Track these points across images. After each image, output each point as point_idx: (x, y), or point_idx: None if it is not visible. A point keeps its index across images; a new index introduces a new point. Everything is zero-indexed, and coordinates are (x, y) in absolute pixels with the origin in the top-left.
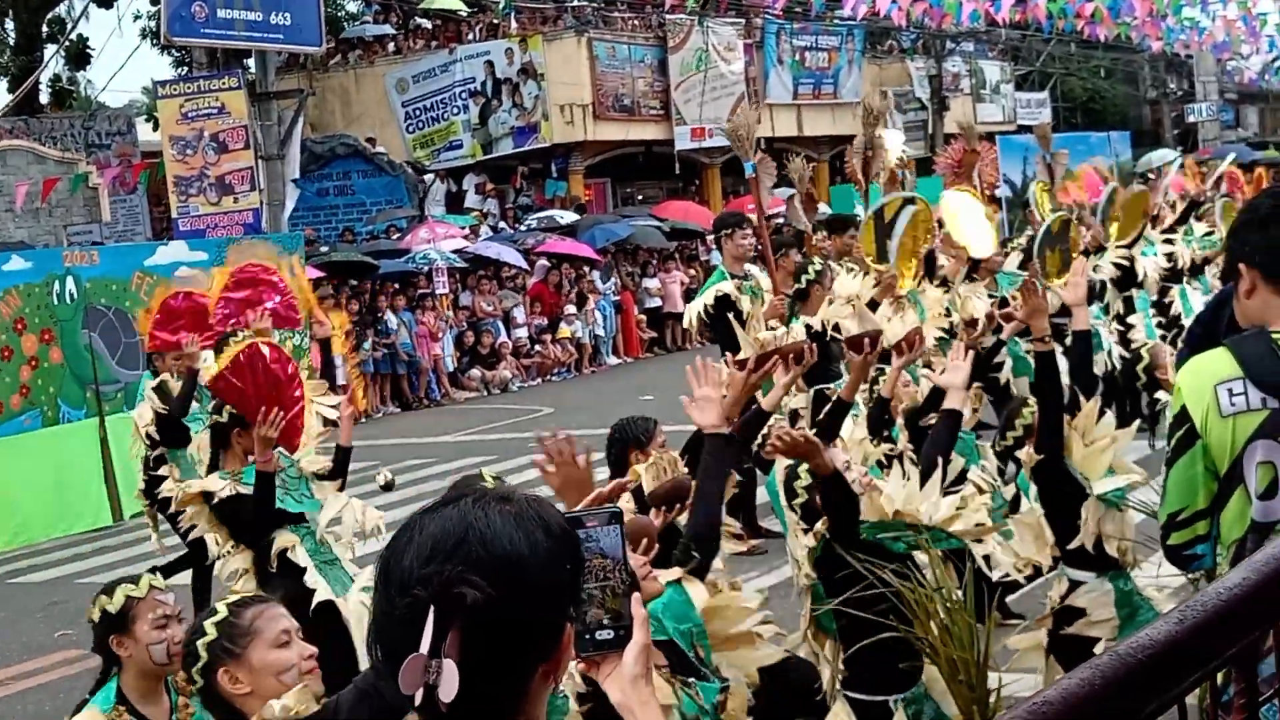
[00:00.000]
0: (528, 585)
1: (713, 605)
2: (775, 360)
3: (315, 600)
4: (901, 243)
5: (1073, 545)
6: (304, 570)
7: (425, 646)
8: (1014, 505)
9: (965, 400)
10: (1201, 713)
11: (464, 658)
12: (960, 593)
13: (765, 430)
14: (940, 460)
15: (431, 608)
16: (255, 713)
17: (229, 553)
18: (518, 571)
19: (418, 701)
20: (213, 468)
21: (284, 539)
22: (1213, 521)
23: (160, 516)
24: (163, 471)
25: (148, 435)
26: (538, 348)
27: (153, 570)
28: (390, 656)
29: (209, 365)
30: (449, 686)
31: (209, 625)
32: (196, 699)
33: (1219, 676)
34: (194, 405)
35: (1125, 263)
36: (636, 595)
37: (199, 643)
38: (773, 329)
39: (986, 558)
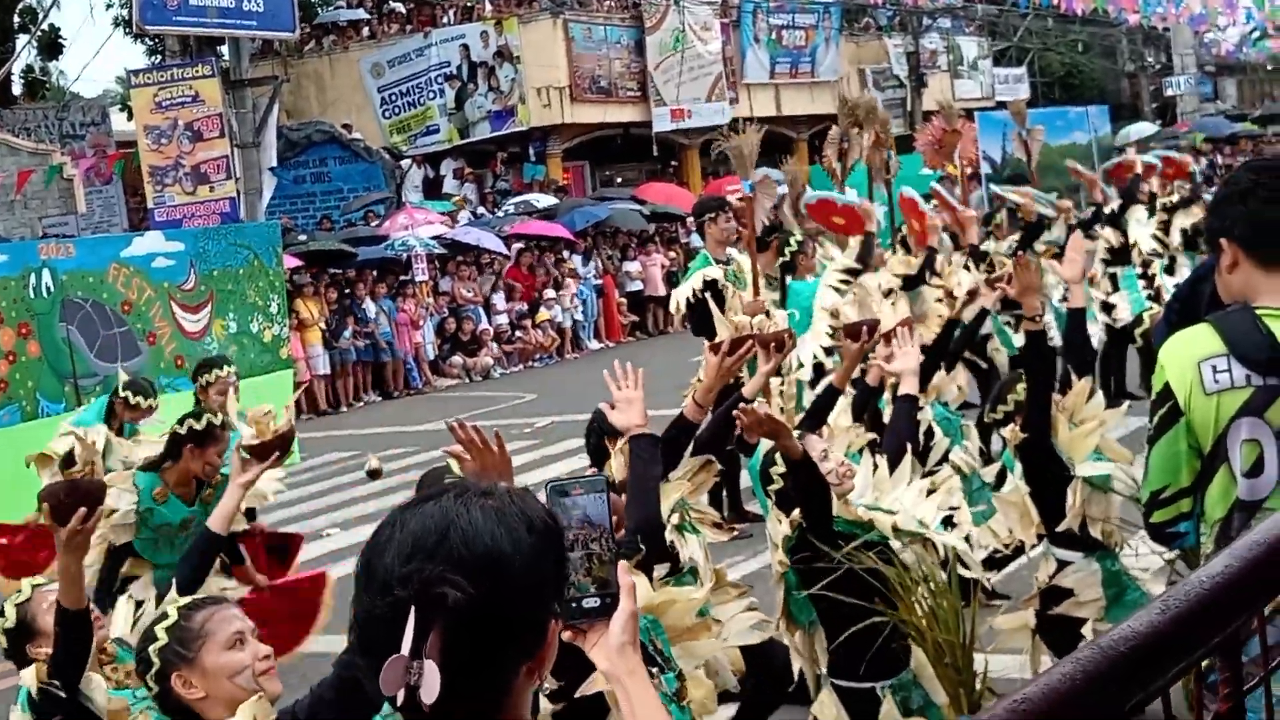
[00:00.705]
0: (510, 583)
1: (661, 600)
2: (751, 344)
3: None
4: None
5: (1060, 528)
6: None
7: (406, 648)
8: (999, 481)
9: (916, 384)
10: (1187, 697)
11: (446, 657)
12: (944, 575)
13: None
14: (908, 446)
15: (412, 608)
16: (214, 717)
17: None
18: (500, 569)
19: (400, 702)
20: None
21: (135, 565)
22: (1196, 499)
23: None
24: None
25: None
26: (519, 333)
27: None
28: (371, 655)
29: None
30: (430, 688)
31: (159, 630)
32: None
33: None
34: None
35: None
36: (623, 563)
37: (150, 649)
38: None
39: (966, 538)
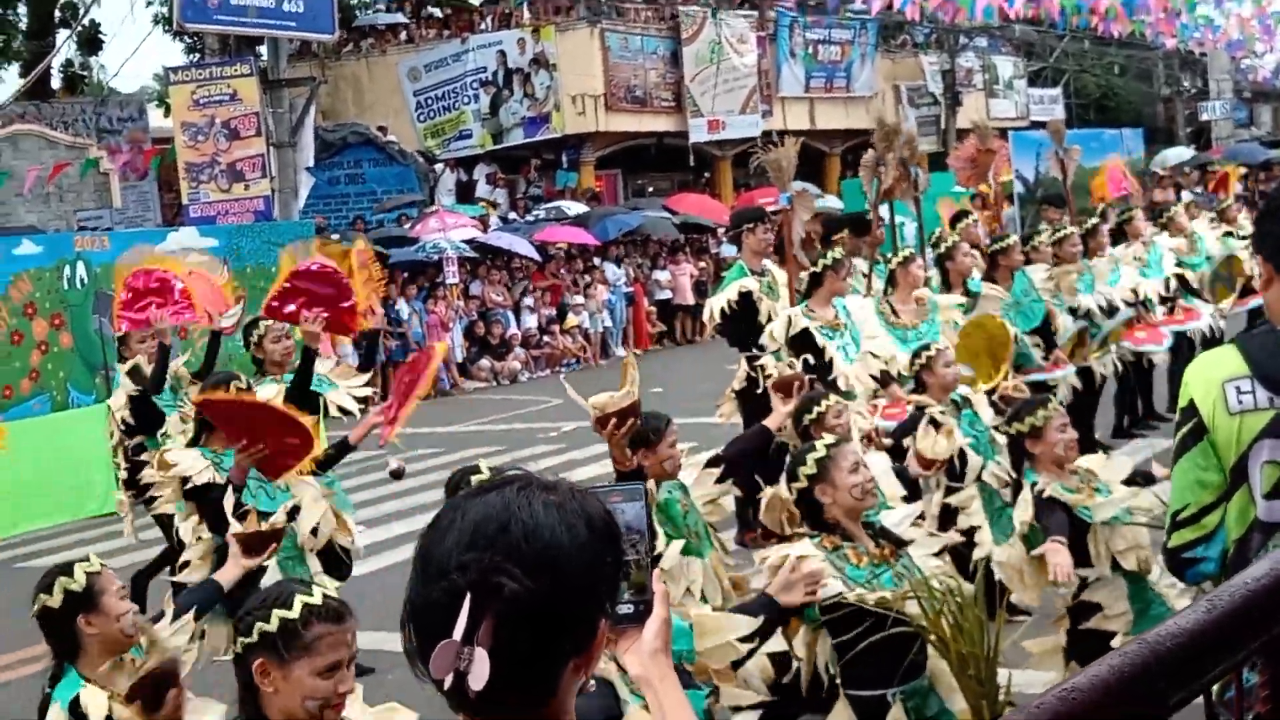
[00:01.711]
0: (566, 579)
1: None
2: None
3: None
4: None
5: (1089, 575)
6: (263, 571)
7: (459, 633)
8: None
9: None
10: (1221, 700)
11: (496, 647)
12: (970, 588)
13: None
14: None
15: (468, 595)
16: (268, 710)
17: (193, 537)
18: (557, 564)
19: (447, 686)
20: (194, 444)
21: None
22: (1221, 518)
23: (138, 505)
24: (144, 458)
25: (123, 422)
26: (546, 338)
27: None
28: (423, 639)
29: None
30: (480, 675)
31: (276, 615)
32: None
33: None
34: (166, 390)
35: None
36: (657, 571)
37: (258, 624)
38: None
39: (987, 557)
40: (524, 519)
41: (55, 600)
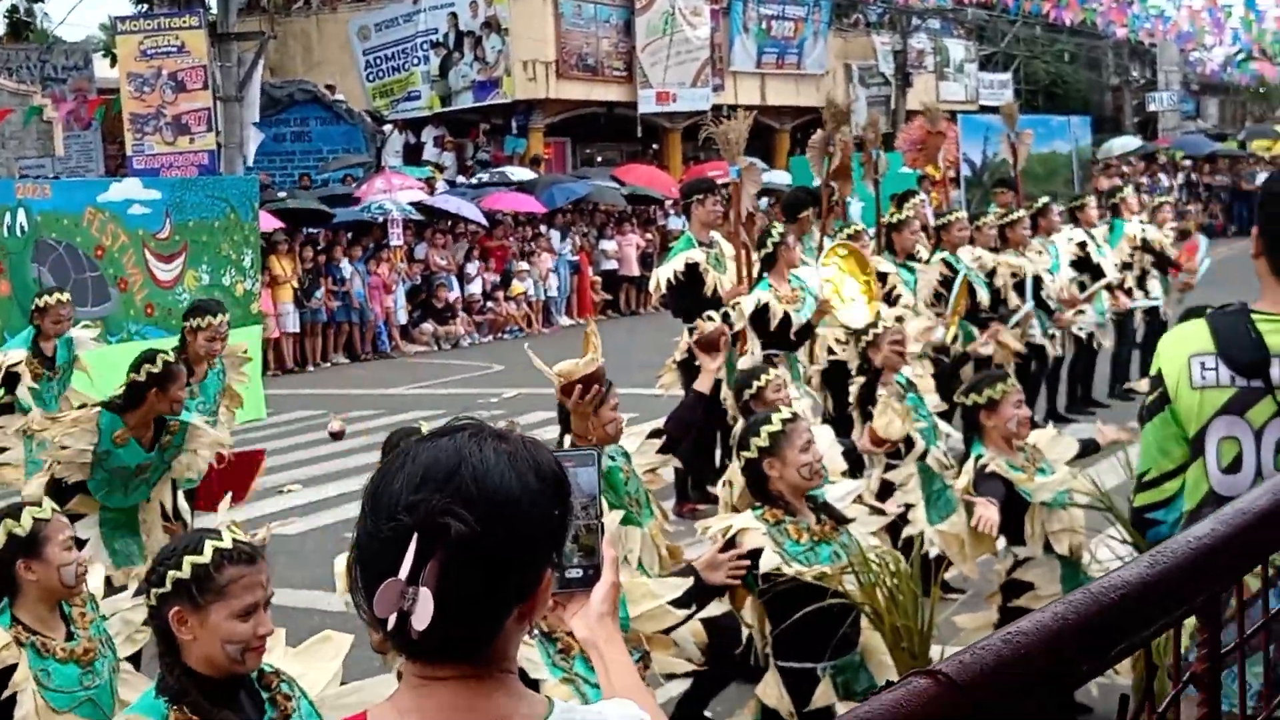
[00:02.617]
0: (513, 525)
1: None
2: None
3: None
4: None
5: (1022, 554)
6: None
7: (404, 572)
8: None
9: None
10: (1165, 672)
11: (441, 589)
12: (906, 563)
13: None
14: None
15: (415, 535)
16: (188, 657)
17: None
18: (505, 511)
19: (390, 626)
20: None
21: (82, 503)
22: (1181, 485)
23: None
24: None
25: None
26: (490, 304)
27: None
28: (368, 578)
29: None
30: (423, 614)
31: (187, 562)
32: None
33: (1184, 638)
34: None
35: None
36: (608, 535)
37: (170, 573)
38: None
39: (920, 534)
40: (475, 464)
41: None
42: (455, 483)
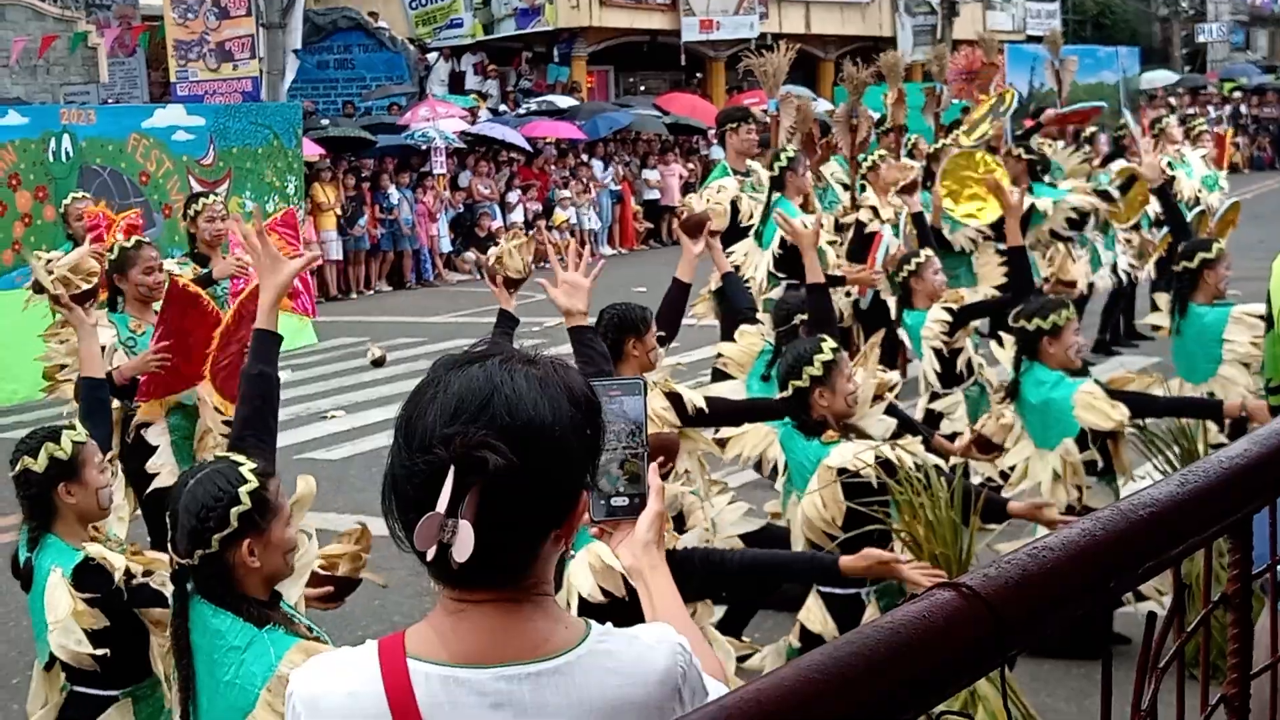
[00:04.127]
0: (548, 452)
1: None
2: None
3: (152, 486)
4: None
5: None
6: (154, 449)
7: (443, 506)
8: (1012, 394)
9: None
10: (1195, 599)
11: (479, 518)
12: (948, 493)
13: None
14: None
15: (451, 468)
16: (250, 588)
17: None
18: (539, 438)
19: (430, 558)
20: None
21: (147, 411)
22: None
23: None
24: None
25: None
26: (532, 233)
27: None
28: (404, 511)
29: None
30: (464, 547)
31: (244, 493)
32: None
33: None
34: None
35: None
36: (653, 465)
37: (233, 511)
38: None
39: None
40: (507, 393)
41: (39, 465)
42: (489, 413)
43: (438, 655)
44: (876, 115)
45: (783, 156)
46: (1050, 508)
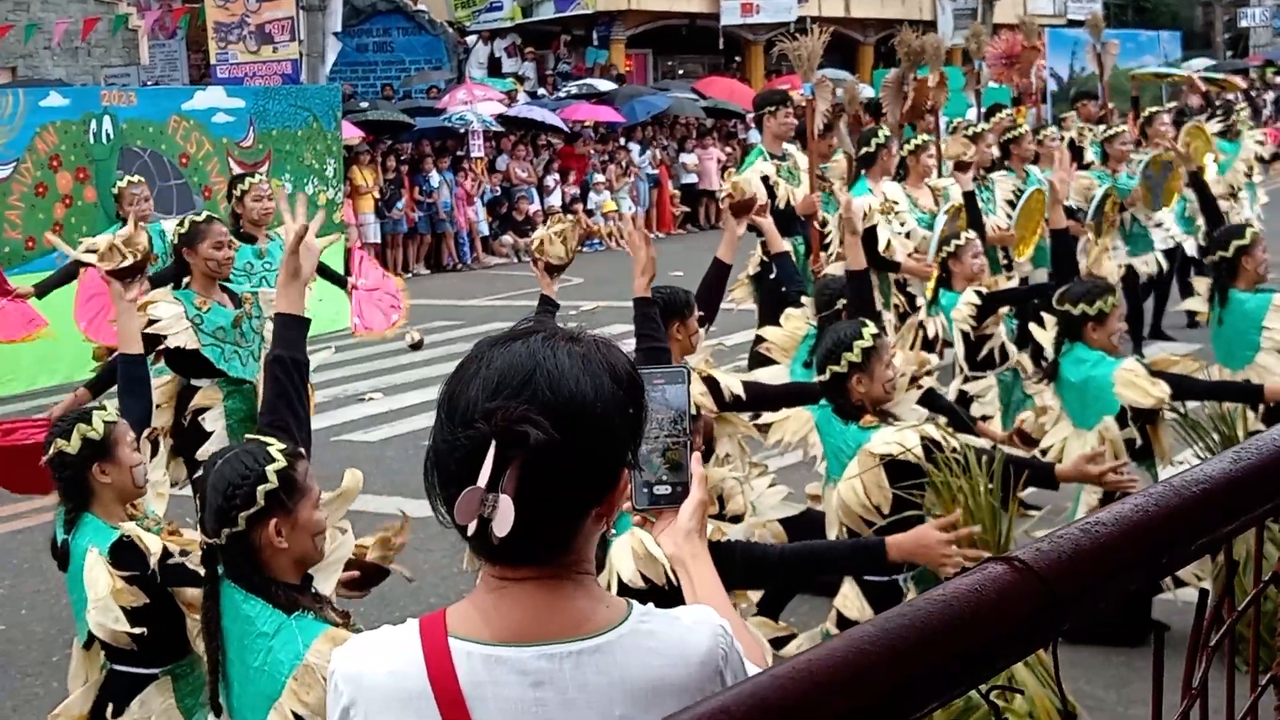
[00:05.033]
0: (589, 429)
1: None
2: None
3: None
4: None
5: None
6: (208, 435)
7: (483, 480)
8: (1051, 374)
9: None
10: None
11: (520, 494)
12: (986, 477)
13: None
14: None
15: (493, 443)
16: (277, 569)
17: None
18: (581, 414)
19: (470, 533)
20: (175, 283)
21: (206, 395)
22: None
23: None
24: None
25: None
26: (574, 219)
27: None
28: (446, 485)
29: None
30: (504, 521)
31: (271, 472)
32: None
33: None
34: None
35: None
36: (696, 454)
37: (259, 489)
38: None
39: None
40: (549, 369)
41: (73, 447)
42: (531, 388)
43: (479, 634)
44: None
45: (879, 135)
46: (1098, 458)
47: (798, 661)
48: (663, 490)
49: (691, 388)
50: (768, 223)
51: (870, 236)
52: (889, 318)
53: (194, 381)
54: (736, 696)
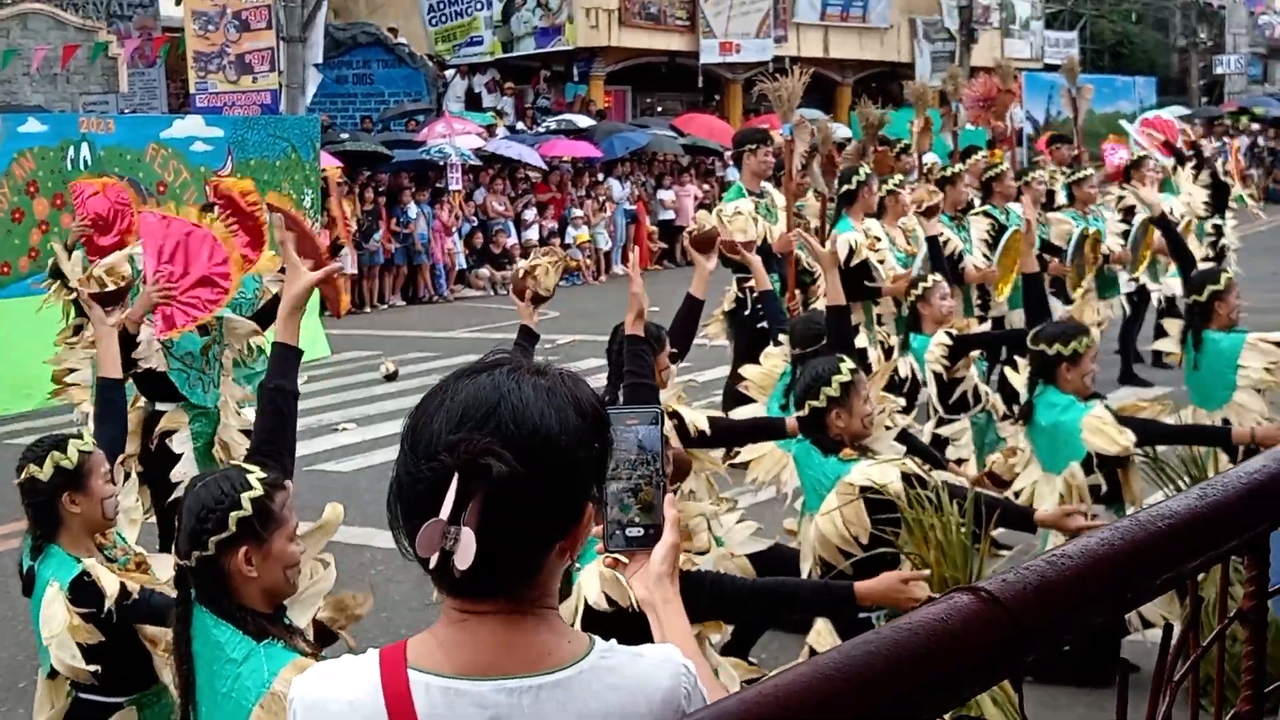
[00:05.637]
0: (554, 462)
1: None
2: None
3: (174, 495)
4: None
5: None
6: (177, 458)
7: (446, 513)
8: (1025, 416)
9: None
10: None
11: (483, 527)
12: (959, 516)
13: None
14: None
15: (455, 475)
16: (247, 598)
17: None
18: (545, 448)
19: (432, 565)
20: None
21: (171, 419)
22: None
23: None
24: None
25: None
26: (566, 253)
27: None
28: (409, 517)
29: None
30: (465, 554)
31: (245, 500)
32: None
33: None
34: None
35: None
36: (669, 496)
37: (232, 515)
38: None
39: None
40: (514, 401)
41: (45, 474)
42: (495, 421)
43: (439, 666)
44: (898, 140)
45: (860, 173)
46: (1077, 516)
47: (764, 687)
48: (635, 532)
49: (663, 428)
50: (755, 260)
51: (861, 271)
52: (876, 355)
53: (159, 406)
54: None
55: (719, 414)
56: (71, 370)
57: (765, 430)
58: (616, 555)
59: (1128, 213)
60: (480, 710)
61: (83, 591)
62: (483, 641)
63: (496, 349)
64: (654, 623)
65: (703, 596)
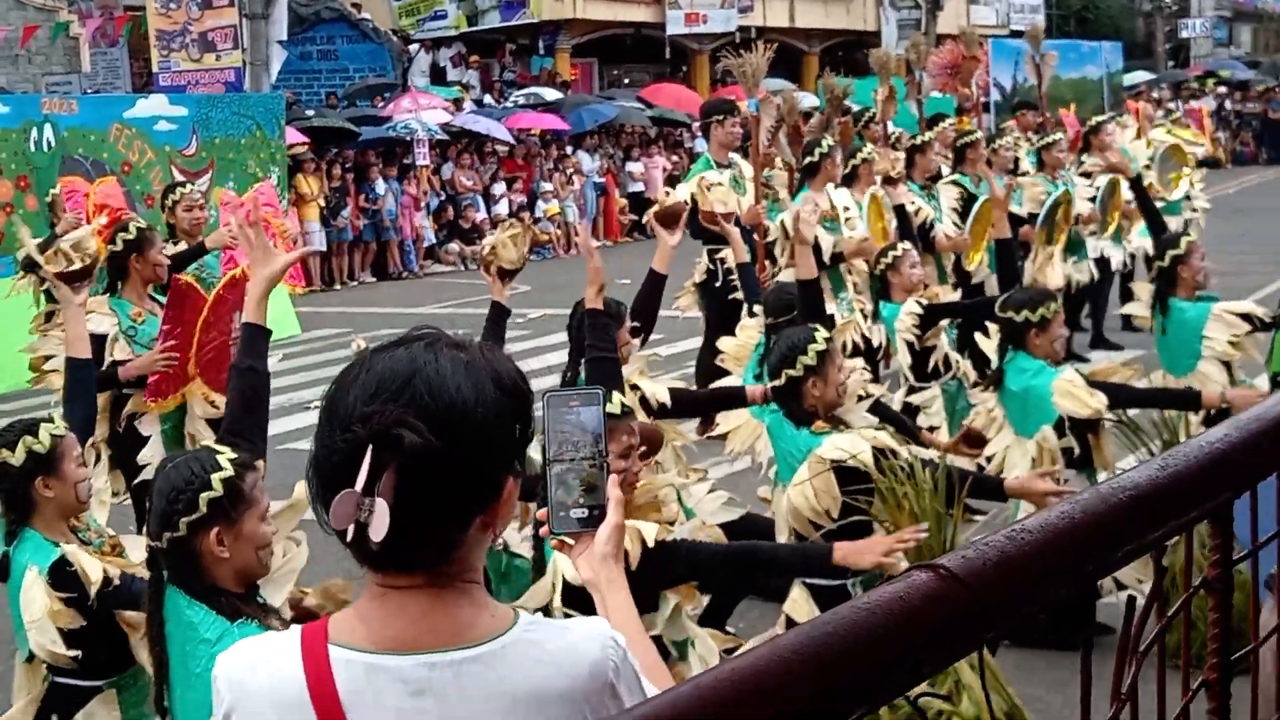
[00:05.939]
0: (469, 435)
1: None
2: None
3: (141, 477)
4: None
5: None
6: (145, 440)
7: (360, 484)
8: (996, 382)
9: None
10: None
11: (398, 499)
12: (930, 480)
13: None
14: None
15: (369, 446)
16: (220, 578)
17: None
18: (461, 420)
19: (349, 538)
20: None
21: (138, 402)
22: None
23: None
24: None
25: None
26: (527, 223)
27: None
28: (325, 489)
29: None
30: (380, 525)
31: (216, 480)
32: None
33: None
34: None
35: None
36: (613, 476)
37: (202, 496)
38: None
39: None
40: (429, 374)
41: (17, 459)
42: (409, 393)
43: (360, 641)
44: (865, 109)
45: (823, 145)
46: (1046, 479)
47: (720, 670)
48: (579, 513)
49: (605, 409)
50: (734, 232)
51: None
52: (842, 319)
53: (125, 389)
54: (656, 707)
55: (680, 385)
56: (49, 357)
57: (726, 399)
58: (562, 537)
59: (1087, 176)
60: (402, 685)
61: (63, 576)
62: (404, 615)
63: (419, 325)
64: (598, 603)
65: (678, 564)
